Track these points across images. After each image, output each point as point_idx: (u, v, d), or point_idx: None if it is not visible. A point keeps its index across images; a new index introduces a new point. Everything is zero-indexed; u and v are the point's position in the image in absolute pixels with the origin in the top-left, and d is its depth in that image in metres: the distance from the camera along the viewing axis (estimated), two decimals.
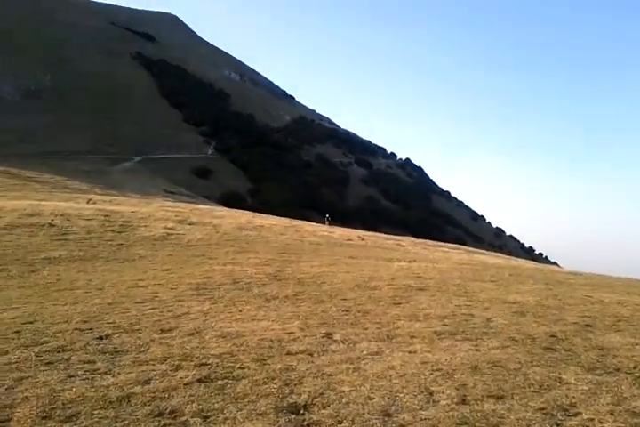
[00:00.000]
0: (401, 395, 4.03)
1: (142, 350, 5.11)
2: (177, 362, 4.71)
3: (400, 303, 8.05)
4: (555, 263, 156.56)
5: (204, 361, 4.76)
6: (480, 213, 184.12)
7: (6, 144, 79.58)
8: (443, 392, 4.07)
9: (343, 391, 4.05)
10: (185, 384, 4.17)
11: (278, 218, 44.02)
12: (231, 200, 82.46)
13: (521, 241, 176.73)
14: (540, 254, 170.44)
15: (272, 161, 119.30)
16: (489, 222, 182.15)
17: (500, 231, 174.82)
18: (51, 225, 20.21)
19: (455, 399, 3.94)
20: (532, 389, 4.20)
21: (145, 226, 22.58)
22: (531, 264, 27.21)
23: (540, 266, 26.12)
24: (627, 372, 4.85)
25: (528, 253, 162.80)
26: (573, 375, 4.60)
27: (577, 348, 5.68)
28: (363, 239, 28.04)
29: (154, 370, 4.50)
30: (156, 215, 27.55)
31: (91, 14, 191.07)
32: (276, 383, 4.24)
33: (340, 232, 31.27)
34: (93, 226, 20.75)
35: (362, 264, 13.98)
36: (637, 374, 4.77)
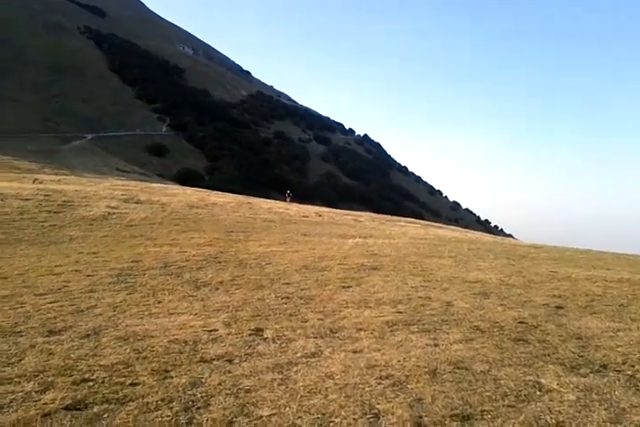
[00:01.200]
0: (337, 419, 3.03)
1: (13, 360, 3.97)
2: (50, 378, 3.59)
3: (350, 286, 7.08)
4: (510, 235, 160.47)
5: (86, 376, 3.65)
6: (437, 188, 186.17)
7: None
8: (392, 413, 3.08)
9: (261, 417, 3.03)
10: (44, 415, 3.06)
11: (234, 195, 42.74)
12: (187, 178, 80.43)
13: (477, 214, 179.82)
14: (496, 227, 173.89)
15: (229, 138, 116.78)
16: (446, 197, 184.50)
17: (456, 205, 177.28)
18: None
19: (408, 424, 2.96)
20: (506, 402, 3.26)
21: (86, 205, 21.19)
22: (489, 237, 26.84)
23: (499, 239, 25.73)
24: (616, 370, 3.99)
25: (483, 225, 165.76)
26: (555, 379, 3.70)
27: (552, 338, 4.81)
28: (320, 215, 27.16)
29: (13, 392, 3.37)
30: (101, 194, 26.09)
31: None
32: (172, 408, 3.17)
33: (296, 209, 30.32)
34: (28, 207, 19.18)
35: (314, 242, 13.02)
36: (629, 373, 3.93)
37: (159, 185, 44.97)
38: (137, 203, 23.61)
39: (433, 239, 16.12)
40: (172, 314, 5.37)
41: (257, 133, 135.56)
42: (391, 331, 4.87)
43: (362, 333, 4.80)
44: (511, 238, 33.12)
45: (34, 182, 31.99)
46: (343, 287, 7.00)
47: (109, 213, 18.72)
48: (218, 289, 6.71)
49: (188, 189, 43.51)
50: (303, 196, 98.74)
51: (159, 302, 5.88)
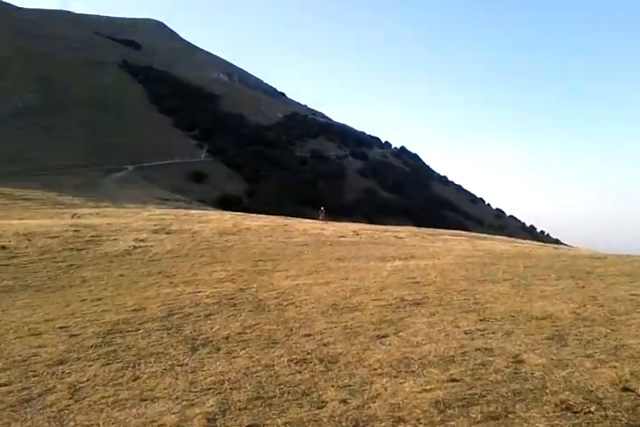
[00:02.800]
0: None
1: None
2: None
3: (386, 336, 5.66)
4: (557, 241, 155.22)
5: None
6: (479, 196, 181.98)
7: None
8: None
9: None
10: None
11: (271, 218, 41.71)
12: (227, 202, 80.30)
13: (521, 221, 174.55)
14: (542, 232, 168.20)
15: (266, 160, 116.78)
16: (488, 204, 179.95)
17: (500, 212, 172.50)
18: (2, 248, 18.02)
19: None
20: None
21: (114, 239, 20.45)
22: (541, 248, 24.78)
23: (552, 249, 23.65)
24: None
25: (530, 232, 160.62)
26: None
27: None
28: (357, 234, 25.75)
29: None
30: (132, 226, 25.44)
31: (74, 26, 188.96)
32: None
33: (333, 228, 28.95)
34: (52, 245, 18.49)
35: (348, 269, 11.63)
36: None
37: (197, 211, 44.41)
38: (168, 233, 22.80)
39: (482, 256, 14.46)
40: (145, 400, 4.09)
41: (293, 153, 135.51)
42: (443, 420, 3.41)
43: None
44: (562, 246, 30.81)
45: (72, 217, 31.79)
46: (378, 337, 5.60)
47: (134, 248, 17.83)
48: (219, 350, 5.41)
49: (227, 214, 42.77)
50: (343, 213, 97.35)
51: (135, 379, 4.61)
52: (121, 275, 12.05)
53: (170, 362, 5.11)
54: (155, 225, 25.94)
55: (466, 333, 5.62)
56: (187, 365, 5.01)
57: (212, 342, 5.75)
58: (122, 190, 68.32)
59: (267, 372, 4.69)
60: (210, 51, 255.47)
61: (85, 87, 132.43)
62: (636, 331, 5.43)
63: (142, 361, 5.12)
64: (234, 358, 5.15)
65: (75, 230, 22.71)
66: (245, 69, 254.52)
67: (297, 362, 4.90)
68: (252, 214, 47.59)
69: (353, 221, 75.16)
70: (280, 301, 7.84)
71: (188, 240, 20.19)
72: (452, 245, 20.23)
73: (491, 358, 4.68)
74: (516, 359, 4.63)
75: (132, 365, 5.05)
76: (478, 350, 4.96)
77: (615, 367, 4.30)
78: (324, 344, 5.44)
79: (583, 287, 8.23)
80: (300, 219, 43.74)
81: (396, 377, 4.34)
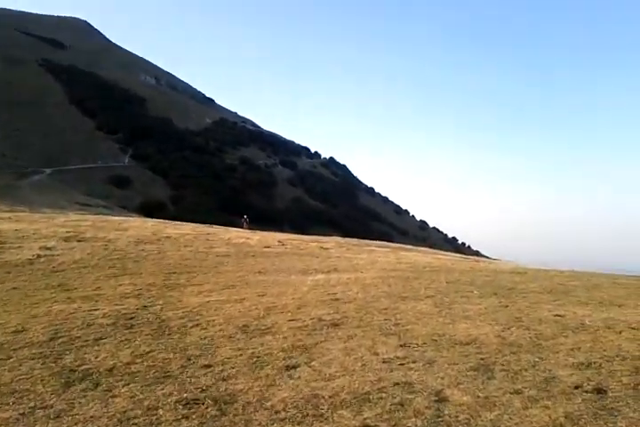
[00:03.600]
0: None
1: None
2: None
3: (296, 366, 5.03)
4: (477, 252, 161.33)
5: None
6: (404, 208, 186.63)
7: None
8: None
9: None
10: None
11: (194, 226, 40.34)
12: (151, 209, 77.95)
13: (444, 232, 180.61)
14: (463, 244, 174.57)
15: (193, 166, 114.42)
16: (413, 216, 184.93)
17: (423, 224, 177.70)
18: None
19: None
20: None
21: (18, 247, 18.79)
22: (462, 259, 25.04)
23: (474, 262, 23.93)
24: None
25: (451, 243, 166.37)
26: None
27: None
28: (283, 244, 25.13)
29: None
30: (42, 233, 23.64)
31: None
32: None
33: (258, 238, 28.16)
34: None
35: (268, 283, 10.97)
36: None
37: (118, 218, 42.32)
38: (79, 241, 21.30)
39: (405, 270, 14.20)
40: None
41: (222, 160, 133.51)
42: None
43: None
44: (482, 258, 31.37)
45: None
46: (287, 368, 4.96)
47: (39, 257, 16.38)
48: (97, 387, 4.58)
49: (149, 221, 40.98)
50: (271, 221, 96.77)
51: None
52: (14, 288, 10.81)
53: (32, 403, 4.21)
54: (67, 232, 24.27)
55: (384, 361, 5.10)
56: (52, 407, 4.14)
57: (92, 374, 4.90)
58: (39, 195, 64.66)
59: (147, 418, 3.92)
60: (137, 53, 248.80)
61: (2, 85, 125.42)
62: (564, 359, 5.08)
63: None
64: (112, 397, 4.35)
65: None
66: (174, 73, 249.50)
67: (186, 403, 4.16)
68: (176, 222, 45.94)
69: (281, 231, 74.76)
70: (185, 321, 7.06)
71: (100, 249, 18.86)
72: (376, 256, 19.98)
73: (410, 396, 4.16)
74: (439, 397, 4.13)
75: None
76: (397, 384, 4.43)
77: (547, 408, 3.87)
78: (224, 378, 4.74)
79: (507, 306, 7.95)
80: (227, 227, 42.62)
81: (299, 424, 3.71)
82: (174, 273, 13.17)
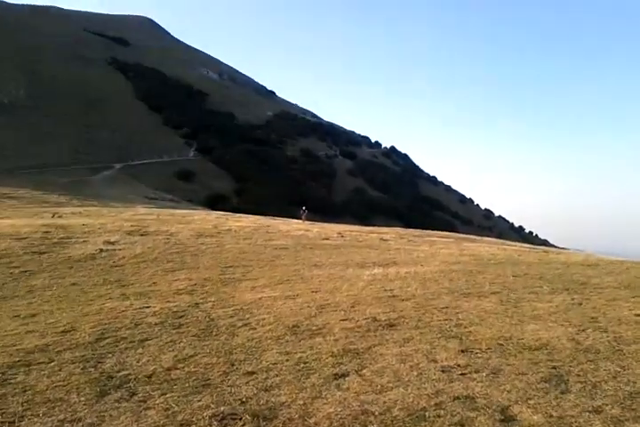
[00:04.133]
0: None
1: None
2: None
3: (346, 375, 4.62)
4: (545, 241, 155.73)
5: None
6: (468, 196, 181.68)
7: None
8: None
9: None
10: None
11: (255, 218, 40.62)
12: (216, 202, 79.41)
13: (510, 221, 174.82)
14: (530, 233, 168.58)
15: (256, 158, 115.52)
16: (477, 205, 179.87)
17: (488, 213, 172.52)
18: None
19: None
20: None
21: (83, 241, 19.30)
22: (529, 250, 23.83)
23: (542, 253, 22.68)
24: None
25: (518, 232, 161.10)
26: None
27: None
28: (342, 236, 24.78)
29: None
30: (107, 227, 24.28)
31: (63, 22, 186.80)
32: None
33: (317, 230, 27.93)
34: (14, 248, 17.30)
35: (323, 278, 10.61)
36: None
37: (182, 211, 43.24)
38: (143, 235, 21.71)
39: (468, 262, 13.51)
40: None
41: (283, 152, 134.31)
42: None
43: None
44: (551, 249, 29.68)
45: (53, 217, 30.59)
46: (335, 377, 4.57)
47: (102, 251, 16.70)
48: (132, 396, 4.32)
49: (213, 214, 41.69)
50: (332, 212, 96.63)
51: None
52: (73, 284, 10.95)
53: (62, 415, 3.98)
54: (132, 226, 24.82)
55: (444, 370, 4.62)
56: (81, 421, 3.91)
57: (129, 382, 4.67)
58: (109, 189, 66.97)
59: None
60: (199, 48, 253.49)
61: (73, 83, 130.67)
62: None
63: (27, 414, 4.03)
64: (146, 409, 4.09)
65: (45, 231, 21.58)
66: (235, 67, 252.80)
67: (222, 418, 3.84)
68: (239, 214, 46.51)
69: (342, 222, 74.39)
70: (234, 320, 6.80)
71: (161, 243, 19.09)
72: (438, 248, 19.28)
73: (472, 414, 3.68)
74: (505, 415, 3.63)
75: (8, 422, 3.91)
76: (457, 398, 3.96)
77: None
78: (266, 388, 4.39)
79: (580, 304, 7.26)
80: (288, 219, 42.74)
81: None
82: (231, 267, 13.06)
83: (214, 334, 6.20)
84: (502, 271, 11.31)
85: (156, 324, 6.74)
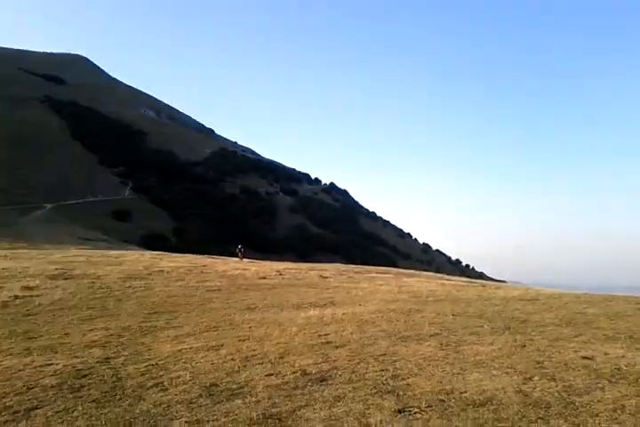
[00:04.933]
0: None
1: None
2: None
3: None
4: (482, 274, 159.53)
5: None
6: (406, 231, 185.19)
7: None
8: None
9: None
10: None
11: (192, 257, 39.26)
12: (154, 241, 77.19)
13: (447, 254, 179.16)
14: (467, 266, 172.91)
15: (195, 197, 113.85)
16: (415, 239, 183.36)
17: (426, 247, 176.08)
18: None
19: None
20: None
21: (0, 287, 17.73)
22: (467, 284, 23.79)
23: (480, 286, 22.63)
24: None
25: (456, 265, 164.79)
26: None
27: None
28: (281, 274, 24.04)
29: None
30: (30, 271, 22.67)
31: None
32: None
33: (255, 268, 27.06)
34: None
35: (254, 323, 9.86)
36: None
37: (116, 252, 41.36)
38: (67, 279, 20.30)
39: (407, 300, 13.08)
40: None
41: (223, 190, 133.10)
42: None
43: None
44: (488, 282, 29.80)
45: None
46: None
47: (16, 298, 15.30)
48: None
49: (148, 254, 39.99)
50: (274, 250, 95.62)
51: None
52: None
53: None
54: (56, 269, 23.28)
55: None
56: None
57: None
58: (40, 230, 63.74)
59: None
60: (137, 87, 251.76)
61: (4, 123, 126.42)
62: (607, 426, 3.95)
63: None
64: None
65: None
66: (174, 106, 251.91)
67: None
68: (175, 254, 44.88)
69: (284, 258, 73.43)
70: (145, 380, 5.94)
71: (84, 287, 17.79)
72: (377, 285, 18.84)
73: None
74: None
75: None
76: None
77: None
78: None
79: (524, 346, 6.83)
80: (226, 258, 41.58)
81: None
82: (155, 313, 12.11)
83: (118, 398, 5.33)
84: (441, 309, 10.88)
85: (52, 386, 5.79)
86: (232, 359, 6.71)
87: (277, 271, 25.28)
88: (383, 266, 49.12)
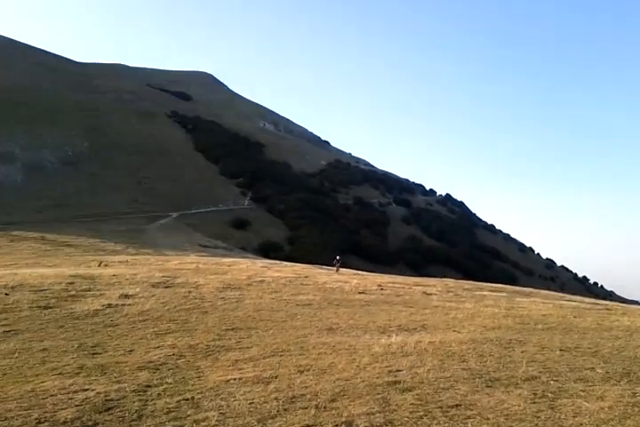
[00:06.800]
0: None
1: None
2: None
3: None
4: (611, 293, 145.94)
5: None
6: (528, 245, 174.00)
7: (43, 210, 79.03)
8: None
9: None
10: None
11: (301, 266, 39.19)
12: (269, 249, 78.98)
13: (573, 271, 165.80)
14: (595, 284, 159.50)
15: (309, 207, 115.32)
16: (538, 254, 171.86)
17: (550, 262, 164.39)
18: None
19: None
20: None
21: (100, 294, 18.23)
22: (590, 306, 21.05)
23: (603, 311, 19.89)
24: None
25: (582, 282, 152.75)
26: None
27: None
28: (382, 289, 22.88)
29: None
30: (137, 278, 23.38)
31: (127, 78, 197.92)
32: None
33: (357, 281, 26.06)
34: (23, 301, 16.31)
35: (326, 348, 8.85)
36: None
37: (229, 260, 42.34)
38: (167, 287, 20.59)
39: (511, 327, 11.41)
40: None
41: (336, 200, 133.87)
42: None
43: None
44: (615, 304, 26.48)
45: (99, 265, 30.29)
46: None
47: (109, 306, 15.47)
48: None
49: (259, 262, 40.50)
50: (386, 261, 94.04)
51: None
52: (43, 349, 9.59)
53: None
54: (163, 276, 23.81)
55: None
56: None
57: None
58: (165, 237, 67.36)
59: None
60: (257, 101, 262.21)
61: (134, 136, 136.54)
62: None
63: None
64: None
65: (70, 282, 20.76)
66: (291, 119, 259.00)
67: None
68: (286, 262, 45.21)
69: (395, 271, 71.70)
70: (166, 420, 5.13)
71: (179, 297, 17.78)
72: (483, 306, 17.05)
73: None
74: None
75: None
76: None
77: None
78: None
79: None
80: (334, 268, 40.99)
81: None
82: (232, 329, 11.49)
83: None
84: (549, 342, 9.19)
85: (64, 422, 5.15)
86: (275, 399, 5.73)
87: (379, 285, 24.11)
88: (501, 282, 46.05)
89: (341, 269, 37.35)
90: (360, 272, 38.30)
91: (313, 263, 48.58)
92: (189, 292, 19.01)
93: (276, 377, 6.79)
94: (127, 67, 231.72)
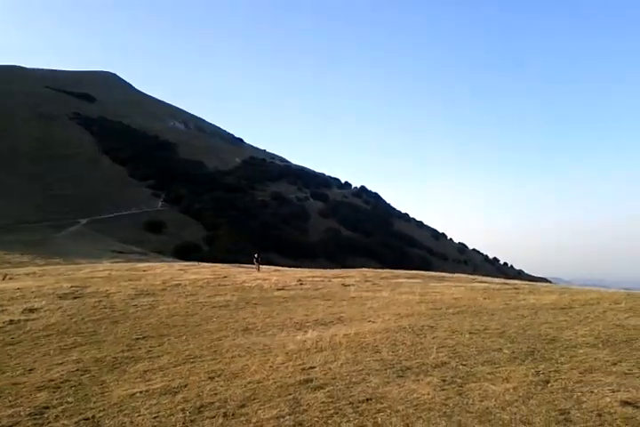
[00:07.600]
0: None
1: None
2: None
3: None
4: (520, 271, 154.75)
5: None
6: (441, 231, 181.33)
7: None
8: None
9: None
10: None
11: (219, 267, 38.45)
12: (187, 251, 77.00)
13: (484, 253, 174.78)
14: (505, 264, 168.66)
15: (226, 205, 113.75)
16: (451, 239, 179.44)
17: (462, 246, 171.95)
18: None
19: None
20: None
21: (3, 310, 17.08)
22: (500, 286, 22.04)
23: (512, 290, 20.86)
24: None
25: (493, 264, 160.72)
26: None
27: None
28: (301, 283, 22.86)
29: None
30: (43, 290, 22.17)
31: (25, 81, 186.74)
32: None
33: (277, 277, 25.91)
34: None
35: (241, 350, 8.64)
36: None
37: (144, 264, 40.98)
38: (76, 297, 19.65)
39: (424, 313, 11.68)
40: None
41: (254, 197, 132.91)
42: None
43: None
44: (524, 283, 27.82)
45: (3, 279, 28.33)
46: None
47: (11, 323, 14.48)
48: None
49: (176, 265, 39.37)
50: (307, 254, 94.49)
51: None
52: None
53: None
54: (71, 287, 22.70)
55: None
56: None
57: None
58: (75, 245, 64.25)
59: None
60: (165, 100, 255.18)
61: (34, 141, 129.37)
62: None
63: None
64: None
65: None
66: (202, 117, 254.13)
67: None
68: (204, 264, 44.16)
69: (317, 264, 72.17)
70: None
71: (88, 308, 16.93)
72: (399, 293, 17.40)
73: None
74: None
75: None
76: None
77: None
78: None
79: (547, 383, 5.39)
80: (253, 266, 40.54)
81: None
82: (143, 338, 11.02)
83: None
84: (459, 325, 9.45)
85: None
86: (182, 410, 5.46)
87: (299, 280, 24.08)
88: (417, 268, 47.38)
89: (263, 266, 36.97)
90: (281, 268, 38.10)
91: (233, 262, 47.88)
92: (99, 301, 18.19)
93: (186, 386, 6.51)
94: (24, 68, 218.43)
